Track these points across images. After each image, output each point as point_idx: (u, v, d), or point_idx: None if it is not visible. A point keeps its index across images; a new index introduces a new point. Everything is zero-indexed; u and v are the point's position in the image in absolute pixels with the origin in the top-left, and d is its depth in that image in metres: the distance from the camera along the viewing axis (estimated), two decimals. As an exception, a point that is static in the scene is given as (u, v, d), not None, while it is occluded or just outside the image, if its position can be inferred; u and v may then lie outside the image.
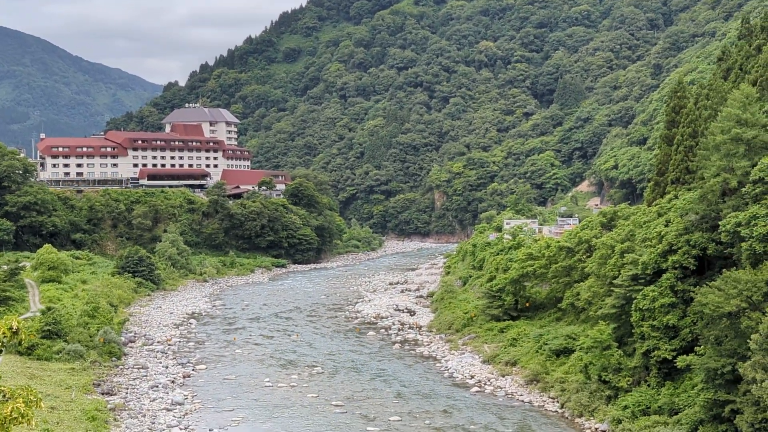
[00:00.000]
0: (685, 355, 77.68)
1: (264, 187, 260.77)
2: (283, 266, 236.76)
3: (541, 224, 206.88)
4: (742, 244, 75.00)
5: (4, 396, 14.63)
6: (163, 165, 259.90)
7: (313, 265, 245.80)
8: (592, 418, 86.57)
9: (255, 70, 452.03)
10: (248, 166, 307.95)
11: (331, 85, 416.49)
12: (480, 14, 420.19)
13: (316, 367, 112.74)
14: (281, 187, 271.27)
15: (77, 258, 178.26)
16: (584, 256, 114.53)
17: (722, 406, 70.37)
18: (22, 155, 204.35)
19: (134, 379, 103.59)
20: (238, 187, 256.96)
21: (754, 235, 73.28)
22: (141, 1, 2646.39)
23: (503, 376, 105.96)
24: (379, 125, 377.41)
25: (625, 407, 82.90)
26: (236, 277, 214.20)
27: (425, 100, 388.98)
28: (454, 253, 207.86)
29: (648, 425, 78.89)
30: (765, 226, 72.69)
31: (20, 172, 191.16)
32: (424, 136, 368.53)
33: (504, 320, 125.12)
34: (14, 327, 15.19)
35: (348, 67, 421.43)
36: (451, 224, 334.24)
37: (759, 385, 63.68)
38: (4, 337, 15.23)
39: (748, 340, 66.62)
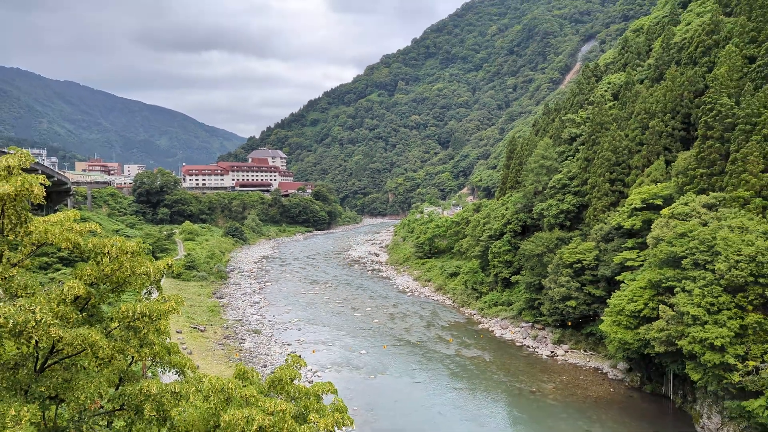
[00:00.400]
0: (516, 275, 78.97)
1: (300, 191, 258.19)
2: (310, 232, 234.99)
3: (443, 210, 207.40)
4: (544, 219, 76.14)
5: (164, 298, 14.49)
6: (247, 179, 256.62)
7: (326, 231, 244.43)
8: (468, 307, 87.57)
9: (294, 129, 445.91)
10: (292, 180, 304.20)
11: (335, 138, 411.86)
12: (412, 101, 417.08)
13: (328, 283, 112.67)
14: (309, 190, 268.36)
15: (203, 228, 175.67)
16: (465, 225, 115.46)
17: (534, 301, 71.56)
18: (173, 175, 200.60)
19: (233, 290, 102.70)
20: (287, 191, 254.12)
21: (550, 214, 74.43)
22: (235, 92, 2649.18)
23: (423, 287, 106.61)
24: (359, 159, 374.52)
25: (485, 302, 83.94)
26: (286, 238, 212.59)
27: (384, 146, 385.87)
28: (399, 224, 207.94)
29: (496, 311, 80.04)
30: (555, 210, 73.92)
31: (172, 183, 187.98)
32: (383, 165, 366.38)
33: (424, 259, 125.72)
34: (170, 263, 15.00)
35: (343, 128, 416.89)
36: (398, 210, 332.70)
37: (552, 290, 64.94)
38: (164, 268, 15.05)
39: (547, 268, 67.89)
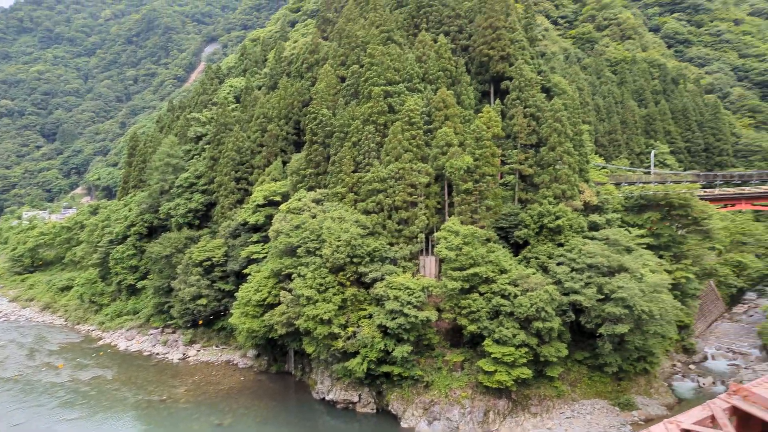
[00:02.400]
0: (142, 280, 73.84)
1: None
2: None
3: (50, 213, 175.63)
4: (172, 219, 73.69)
5: None
6: None
7: None
8: (86, 323, 77.22)
9: None
10: None
11: None
12: (1, 83, 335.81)
13: None
14: None
15: None
16: (79, 230, 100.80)
17: (163, 305, 68.49)
18: None
19: None
20: None
21: (178, 213, 72.51)
22: None
23: (24, 309, 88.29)
24: None
25: (107, 314, 75.81)
26: None
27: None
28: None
29: (121, 322, 73.33)
30: (184, 209, 72.18)
31: None
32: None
33: (24, 274, 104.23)
34: None
35: None
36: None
37: (182, 291, 63.29)
38: None
39: (177, 269, 65.79)
